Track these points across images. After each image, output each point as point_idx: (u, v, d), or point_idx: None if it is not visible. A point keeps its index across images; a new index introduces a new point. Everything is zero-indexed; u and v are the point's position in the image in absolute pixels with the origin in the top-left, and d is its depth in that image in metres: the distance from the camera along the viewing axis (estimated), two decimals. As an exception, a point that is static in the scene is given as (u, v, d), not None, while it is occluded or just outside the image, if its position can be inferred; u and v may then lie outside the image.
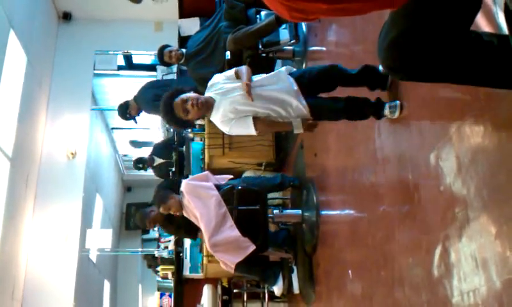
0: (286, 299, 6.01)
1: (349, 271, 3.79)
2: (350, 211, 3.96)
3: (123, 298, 12.88)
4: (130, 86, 10.33)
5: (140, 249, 12.42)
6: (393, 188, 3.07)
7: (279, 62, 6.24)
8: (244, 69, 3.34)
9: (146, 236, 12.78)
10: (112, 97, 10.69)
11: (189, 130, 6.58)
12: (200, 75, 5.86)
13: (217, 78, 3.49)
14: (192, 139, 7.10)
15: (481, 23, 2.04)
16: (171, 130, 7.67)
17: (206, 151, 6.46)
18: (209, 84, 3.50)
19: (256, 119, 3.26)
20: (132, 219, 12.14)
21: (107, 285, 11.55)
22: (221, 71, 5.43)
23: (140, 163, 7.66)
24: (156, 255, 8.65)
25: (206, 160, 6.44)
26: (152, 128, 8.81)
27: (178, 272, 7.15)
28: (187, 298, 7.14)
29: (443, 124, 2.46)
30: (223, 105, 3.30)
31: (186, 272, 6.78)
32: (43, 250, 7.20)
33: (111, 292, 12.04)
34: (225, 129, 3.39)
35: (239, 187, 4.84)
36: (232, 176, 5.28)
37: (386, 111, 3.04)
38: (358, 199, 3.73)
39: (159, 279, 9.72)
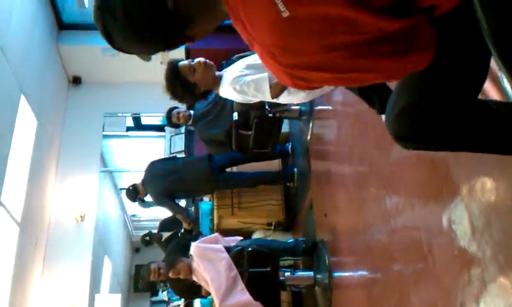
0: None
1: (365, 337, 3.69)
2: (363, 272, 3.88)
3: None
4: (139, 146, 10.45)
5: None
6: (406, 249, 3.01)
7: (286, 121, 6.30)
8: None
9: (155, 299, 12.63)
10: (121, 158, 10.78)
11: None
12: (208, 136, 5.92)
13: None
14: (201, 199, 7.08)
15: (487, 87, 2.04)
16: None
17: (215, 211, 6.43)
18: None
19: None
20: (141, 281, 12.00)
21: (116, 350, 11.33)
22: (229, 132, 5.52)
23: (148, 236, 7.54)
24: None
25: (215, 220, 6.40)
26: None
27: (189, 337, 7.01)
28: None
29: (454, 185, 2.44)
30: (231, 71, 3.26)
31: (197, 337, 6.64)
32: (51, 316, 7.11)
33: (120, 357, 11.80)
34: (235, 95, 3.25)
35: (250, 249, 4.79)
36: (241, 238, 5.24)
37: None
38: (371, 260, 3.66)
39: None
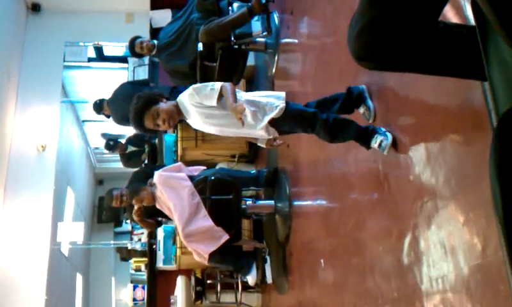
0: (259, 289, 6.06)
1: (321, 260, 3.84)
2: (322, 201, 4.01)
3: (96, 291, 12.80)
4: (101, 77, 10.25)
5: (112, 242, 12.34)
6: (363, 178, 3.12)
7: (252, 54, 6.26)
8: (230, 98, 2.88)
9: (118, 229, 12.70)
10: (83, 89, 10.57)
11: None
12: (172, 67, 5.85)
13: (195, 94, 3.02)
14: (165, 131, 7.07)
15: (449, 15, 2.09)
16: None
17: (179, 143, 6.44)
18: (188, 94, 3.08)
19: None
20: (104, 212, 12.06)
21: (79, 278, 11.47)
22: (194, 63, 5.47)
23: (112, 141, 7.45)
24: (129, 247, 8.59)
25: (179, 152, 6.42)
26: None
27: (151, 264, 7.14)
28: (160, 289, 7.13)
29: (412, 114, 2.51)
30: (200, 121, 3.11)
31: (159, 264, 6.77)
32: (13, 244, 7.10)
33: (84, 285, 11.96)
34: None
35: (212, 177, 4.86)
36: (205, 167, 5.30)
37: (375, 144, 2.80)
38: (330, 189, 3.77)
39: (132, 271, 9.68)
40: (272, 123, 2.96)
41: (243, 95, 3.04)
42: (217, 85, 2.95)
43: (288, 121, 2.98)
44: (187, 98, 3.03)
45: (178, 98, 3.12)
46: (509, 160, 0.93)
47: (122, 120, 6.10)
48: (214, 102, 2.92)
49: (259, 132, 3.00)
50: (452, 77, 1.86)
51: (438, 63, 1.64)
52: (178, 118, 3.12)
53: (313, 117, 2.91)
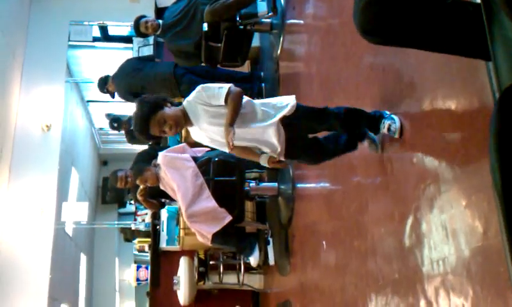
0: (262, 270, 6.09)
1: (324, 242, 3.84)
2: (325, 184, 4.00)
3: (100, 271, 12.90)
4: (106, 57, 10.23)
5: (116, 222, 12.40)
6: (366, 161, 3.11)
7: (257, 35, 6.23)
8: (230, 117, 2.80)
9: (122, 210, 12.76)
10: (88, 69, 10.56)
11: None
12: (177, 47, 5.82)
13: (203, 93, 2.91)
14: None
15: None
16: None
17: (183, 124, 6.41)
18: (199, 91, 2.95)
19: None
20: (109, 193, 12.10)
21: (83, 258, 11.54)
22: (199, 43, 5.45)
23: (116, 121, 7.41)
24: (133, 228, 8.63)
25: (183, 133, 6.41)
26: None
27: (154, 245, 7.18)
28: (163, 270, 7.18)
29: (416, 97, 2.50)
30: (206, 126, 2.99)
31: (163, 245, 6.82)
32: (18, 223, 7.15)
33: (88, 265, 12.05)
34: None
35: (216, 159, 4.86)
36: (209, 149, 5.29)
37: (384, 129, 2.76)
38: (333, 171, 3.77)
39: (136, 252, 9.74)
40: (284, 123, 2.87)
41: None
42: (226, 85, 2.85)
43: (299, 119, 2.91)
44: (194, 96, 2.92)
45: (184, 102, 2.98)
46: (509, 134, 0.92)
47: (127, 94, 6.08)
48: (221, 101, 2.82)
49: (269, 129, 2.88)
50: (457, 54, 1.83)
51: (443, 39, 1.62)
52: (184, 124, 2.97)
53: (324, 111, 2.91)
